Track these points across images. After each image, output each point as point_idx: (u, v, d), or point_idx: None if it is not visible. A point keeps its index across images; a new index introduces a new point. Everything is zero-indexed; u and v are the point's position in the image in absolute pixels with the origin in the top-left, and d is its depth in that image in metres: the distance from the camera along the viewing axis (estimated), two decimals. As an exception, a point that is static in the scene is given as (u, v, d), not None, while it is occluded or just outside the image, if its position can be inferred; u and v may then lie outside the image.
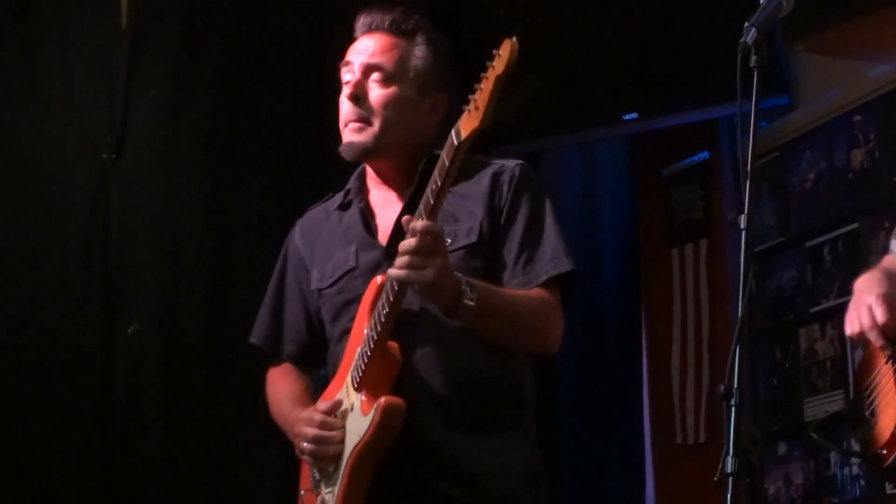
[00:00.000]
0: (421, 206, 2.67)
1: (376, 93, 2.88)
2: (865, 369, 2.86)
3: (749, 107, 2.41)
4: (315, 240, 3.03)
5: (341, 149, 2.92)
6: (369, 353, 2.76)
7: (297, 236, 3.08)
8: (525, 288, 2.82)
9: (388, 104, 2.86)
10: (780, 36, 4.35)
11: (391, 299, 2.71)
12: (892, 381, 2.73)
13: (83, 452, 4.31)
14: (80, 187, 4.47)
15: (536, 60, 4.85)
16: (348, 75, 2.93)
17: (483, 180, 2.88)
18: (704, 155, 4.98)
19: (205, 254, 4.55)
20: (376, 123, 2.87)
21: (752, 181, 2.37)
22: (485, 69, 2.60)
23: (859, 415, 2.83)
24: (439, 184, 2.65)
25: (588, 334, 5.15)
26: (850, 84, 4.47)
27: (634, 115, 4.74)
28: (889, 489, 4.14)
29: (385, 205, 2.94)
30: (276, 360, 3.11)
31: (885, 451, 2.71)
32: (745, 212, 2.34)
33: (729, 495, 2.19)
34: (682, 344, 4.96)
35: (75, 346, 4.36)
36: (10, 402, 4.29)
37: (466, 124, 2.61)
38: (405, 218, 2.68)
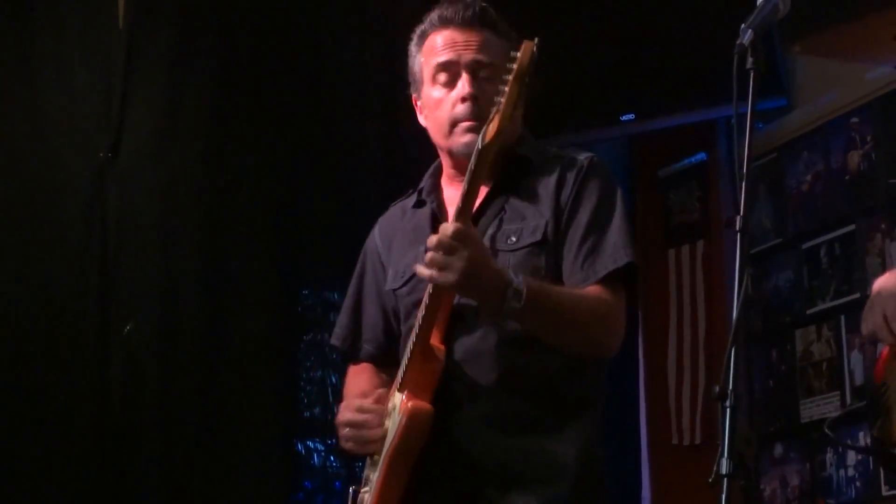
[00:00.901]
0: (454, 210, 2.66)
1: (487, 90, 2.80)
2: (881, 367, 2.85)
3: (746, 108, 2.41)
4: (392, 239, 2.99)
5: (457, 149, 2.83)
6: (409, 354, 2.73)
7: (377, 235, 3.04)
8: (584, 285, 2.75)
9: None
10: (777, 38, 4.35)
11: (427, 301, 2.68)
12: None
13: (80, 451, 4.31)
14: (77, 186, 4.47)
15: (533, 61, 4.86)
16: (444, 73, 2.85)
17: (552, 176, 2.83)
18: (701, 156, 4.98)
19: (202, 252, 4.55)
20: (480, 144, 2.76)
21: (749, 183, 2.37)
22: (507, 72, 2.61)
23: (875, 413, 2.82)
24: (467, 188, 2.63)
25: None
26: (848, 86, 4.47)
27: (631, 117, 4.74)
28: (885, 490, 4.15)
29: (456, 202, 2.84)
30: (354, 360, 3.06)
31: None
32: (742, 213, 2.34)
33: (724, 497, 2.19)
34: (678, 345, 4.96)
35: (72, 345, 4.36)
36: (7, 400, 4.28)
37: (491, 128, 2.62)
38: (443, 226, 2.64)
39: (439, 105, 2.85)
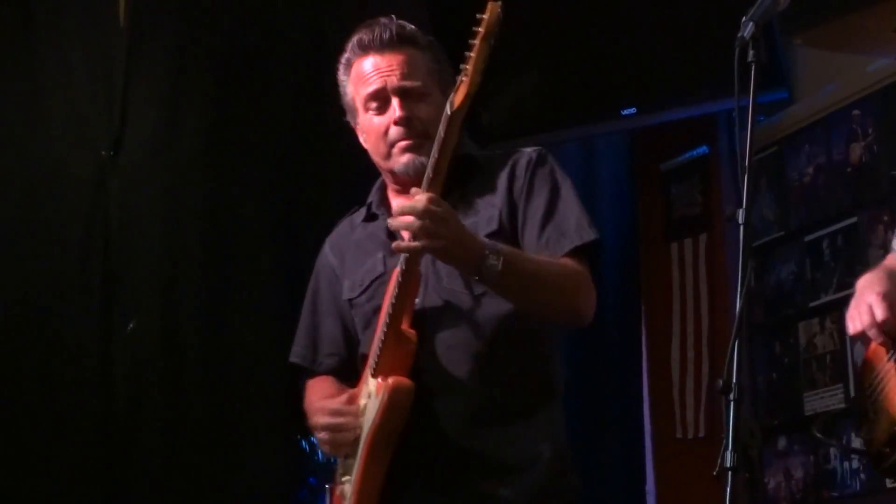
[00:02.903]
0: (424, 180, 2.71)
1: (419, 110, 2.88)
2: (868, 367, 2.87)
3: (747, 101, 2.41)
4: (344, 252, 3.05)
5: (398, 169, 2.90)
6: (383, 339, 2.78)
7: (328, 252, 3.11)
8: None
9: (433, 119, 2.83)
10: (778, 30, 4.35)
11: (400, 280, 2.74)
12: (894, 379, 2.74)
13: (83, 449, 4.32)
14: (79, 184, 4.47)
15: (535, 56, 4.86)
16: (374, 101, 2.92)
17: (504, 171, 2.91)
18: (703, 150, 4.98)
19: (204, 250, 4.56)
20: (430, 138, 2.83)
21: (751, 176, 2.37)
22: (473, 35, 2.66)
23: (863, 412, 2.84)
24: (437, 156, 2.70)
25: (587, 329, 5.13)
26: (849, 78, 4.46)
27: (633, 111, 4.74)
28: (889, 483, 4.14)
29: None
30: (314, 375, 3.10)
31: (887, 449, 2.72)
32: (744, 206, 2.35)
33: (728, 489, 2.19)
34: (681, 338, 4.96)
35: (75, 343, 4.37)
36: (10, 399, 4.29)
37: (458, 93, 2.67)
38: (413, 189, 2.71)
39: (375, 130, 2.93)
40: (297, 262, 4.64)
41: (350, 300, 3.00)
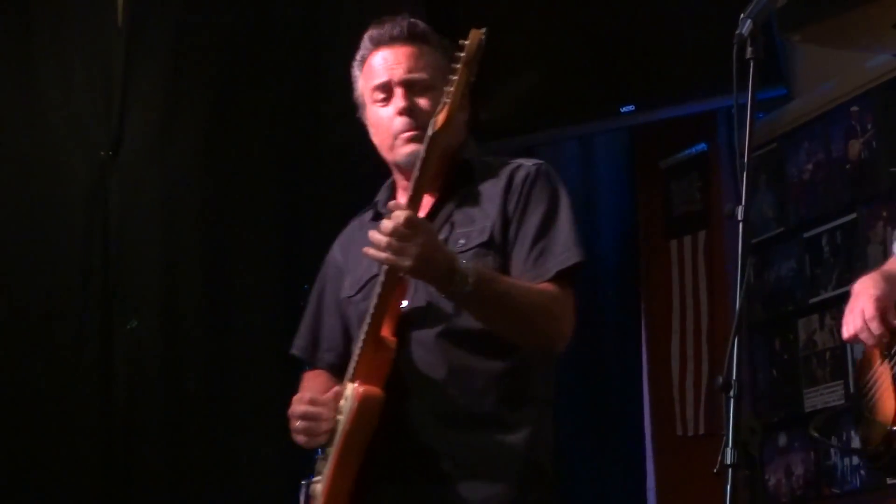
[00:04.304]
0: (405, 202, 2.74)
1: (423, 102, 2.91)
2: (864, 367, 2.89)
3: (746, 98, 2.41)
4: (349, 250, 3.08)
5: (402, 160, 2.92)
6: (362, 344, 2.81)
7: (336, 249, 3.14)
8: (534, 283, 2.83)
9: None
10: (777, 27, 4.35)
11: (379, 293, 2.78)
12: (888, 380, 2.76)
13: (83, 448, 4.32)
14: (78, 185, 4.47)
15: (533, 54, 4.86)
16: (380, 92, 2.95)
17: (500, 182, 2.93)
18: (702, 147, 4.98)
19: (203, 249, 4.56)
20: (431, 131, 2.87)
21: (750, 172, 2.37)
22: (455, 60, 2.70)
23: (859, 412, 2.85)
24: (417, 175, 2.74)
25: (587, 326, 5.11)
26: (847, 74, 4.46)
27: (632, 108, 4.74)
28: (889, 479, 4.14)
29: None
30: (313, 368, 3.14)
31: (882, 448, 2.74)
32: (743, 203, 2.35)
33: (729, 486, 2.19)
34: (681, 336, 4.96)
35: (75, 342, 4.37)
36: (10, 399, 4.29)
37: (441, 115, 2.72)
38: (392, 203, 2.76)
39: (380, 122, 2.96)
40: (297, 260, 4.65)
41: (348, 298, 3.02)
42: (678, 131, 4.97)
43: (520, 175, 2.92)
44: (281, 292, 4.53)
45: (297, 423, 2.88)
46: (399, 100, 2.91)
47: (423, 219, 2.75)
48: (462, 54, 2.70)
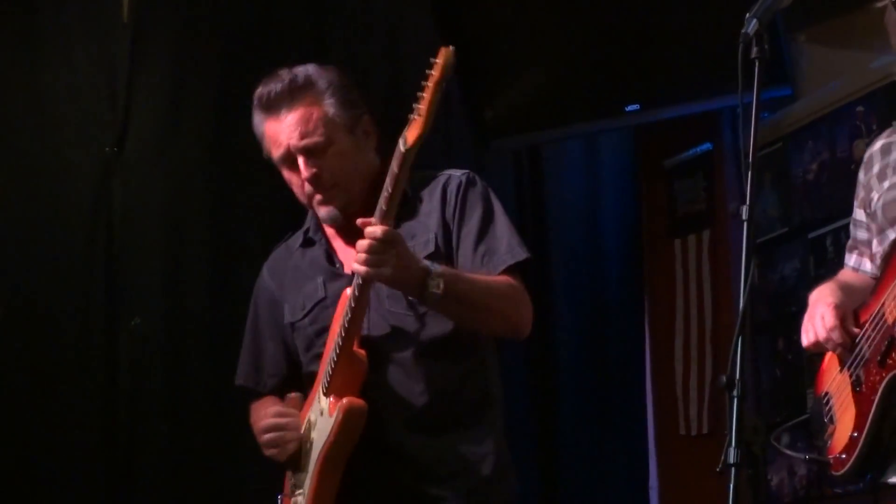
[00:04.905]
0: (376, 212, 2.82)
1: (324, 163, 2.99)
2: (823, 376, 2.90)
3: (751, 98, 2.42)
4: (283, 277, 3.18)
5: (323, 219, 3.07)
6: (336, 359, 2.90)
7: (266, 277, 3.24)
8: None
9: (339, 166, 3.00)
10: (782, 26, 4.35)
11: (353, 305, 2.87)
12: (847, 389, 2.77)
13: (87, 446, 4.32)
14: (83, 181, 4.48)
15: (538, 52, 4.86)
16: (284, 162, 3.04)
17: (435, 194, 3.04)
18: (707, 146, 4.98)
19: (208, 246, 4.56)
20: (341, 186, 3.01)
21: (755, 172, 2.38)
22: (425, 77, 2.76)
23: (819, 422, 2.88)
24: (390, 190, 2.81)
25: (591, 325, 5.15)
26: (853, 74, 4.46)
27: (636, 107, 4.73)
28: (892, 480, 4.14)
29: (340, 237, 3.09)
30: (260, 395, 3.24)
31: (843, 456, 2.76)
32: (748, 203, 2.35)
33: (731, 486, 2.20)
34: (684, 335, 4.96)
35: (78, 339, 4.37)
36: (14, 396, 4.29)
37: (412, 131, 2.77)
38: (360, 221, 2.84)
39: (293, 186, 3.07)
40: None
41: (292, 324, 3.11)
42: (683, 131, 4.97)
43: (452, 185, 3.03)
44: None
45: (265, 437, 3.00)
46: (303, 170, 3.00)
47: (396, 231, 2.84)
48: (432, 72, 2.75)
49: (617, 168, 5.32)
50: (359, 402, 2.89)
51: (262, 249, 4.57)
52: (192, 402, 4.44)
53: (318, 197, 3.01)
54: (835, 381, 2.85)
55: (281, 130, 3.01)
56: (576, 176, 5.25)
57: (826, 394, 2.88)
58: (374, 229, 2.79)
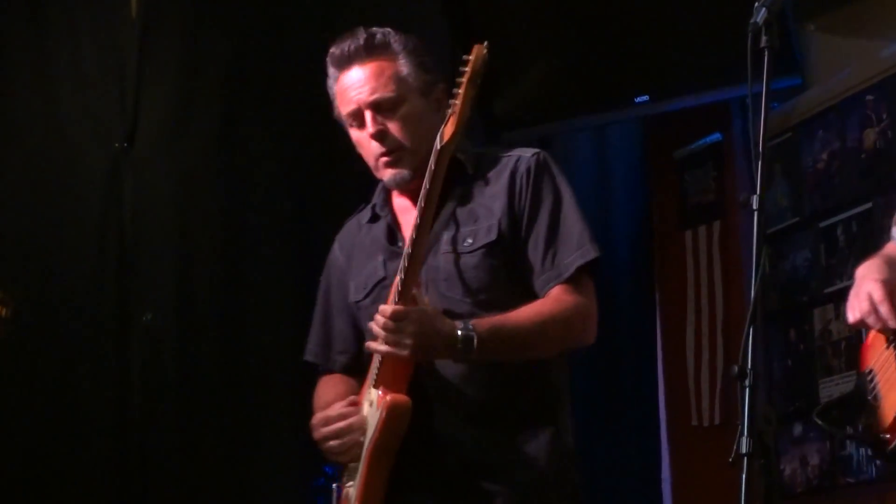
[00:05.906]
0: (412, 227, 2.78)
1: (393, 121, 2.93)
2: (868, 353, 2.87)
3: (760, 88, 2.41)
4: (351, 253, 3.10)
5: (386, 182, 2.99)
6: None
7: (337, 250, 3.16)
8: (554, 283, 2.87)
9: (409, 127, 2.92)
10: (791, 16, 4.34)
11: (395, 299, 2.80)
12: (893, 366, 2.74)
13: (100, 442, 4.33)
14: (93, 177, 4.48)
15: (548, 44, 4.86)
16: (353, 118, 2.97)
17: (502, 176, 2.94)
18: (717, 136, 4.97)
19: (218, 241, 4.56)
20: (408, 148, 2.93)
21: (765, 162, 2.37)
22: (459, 74, 2.75)
23: (862, 399, 2.84)
24: (428, 187, 2.78)
25: (602, 317, 5.11)
26: (862, 64, 4.45)
27: (646, 98, 4.73)
28: (905, 468, 4.14)
29: (408, 211, 2.99)
30: (328, 372, 3.15)
31: (888, 436, 2.73)
32: (758, 193, 2.34)
33: (744, 476, 2.19)
34: (696, 326, 4.96)
35: (91, 333, 4.38)
36: (26, 392, 4.30)
37: (448, 128, 2.76)
38: (382, 307, 2.77)
39: (360, 144, 3.00)
40: (313, 251, 4.64)
41: (356, 302, 3.04)
42: (692, 121, 4.97)
43: (521, 169, 2.94)
44: (297, 283, 4.53)
45: (330, 444, 2.90)
46: (370, 125, 2.94)
47: (408, 308, 2.77)
48: (466, 69, 2.74)
49: (627, 159, 5.32)
50: (402, 399, 2.81)
51: (271, 243, 4.62)
52: (205, 396, 4.44)
53: (383, 159, 2.93)
54: (881, 357, 2.81)
55: (351, 86, 2.94)
56: (586, 167, 5.24)
57: (870, 370, 2.84)
58: (383, 308, 2.75)
